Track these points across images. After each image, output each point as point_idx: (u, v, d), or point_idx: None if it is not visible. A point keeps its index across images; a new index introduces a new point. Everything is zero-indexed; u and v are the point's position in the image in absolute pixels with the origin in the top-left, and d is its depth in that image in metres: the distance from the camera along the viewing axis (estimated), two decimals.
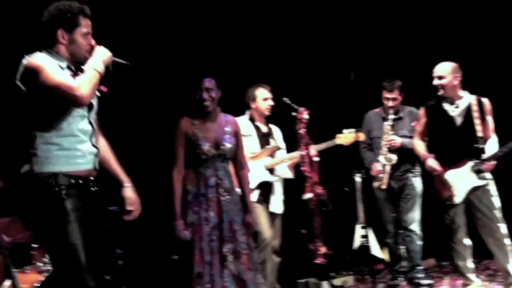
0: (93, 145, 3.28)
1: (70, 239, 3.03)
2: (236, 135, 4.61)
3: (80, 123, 3.21)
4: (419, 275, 6.08)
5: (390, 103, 6.05)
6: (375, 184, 6.04)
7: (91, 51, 3.24)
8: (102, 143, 3.52)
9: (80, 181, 3.16)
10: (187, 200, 4.41)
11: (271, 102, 5.71)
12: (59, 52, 3.20)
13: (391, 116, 6.03)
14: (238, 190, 4.57)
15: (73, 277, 3.02)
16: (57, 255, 3.10)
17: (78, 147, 3.18)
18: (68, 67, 3.20)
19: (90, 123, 3.28)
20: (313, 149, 5.24)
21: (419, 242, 6.09)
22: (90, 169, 3.25)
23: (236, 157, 4.63)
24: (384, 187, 6.01)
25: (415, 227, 6.08)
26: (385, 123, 6.03)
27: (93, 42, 3.25)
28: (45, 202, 3.06)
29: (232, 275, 4.35)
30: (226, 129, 4.57)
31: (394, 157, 5.93)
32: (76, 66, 3.27)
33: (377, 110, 6.27)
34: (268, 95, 5.70)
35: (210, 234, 4.33)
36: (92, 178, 3.25)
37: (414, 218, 6.09)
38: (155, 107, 6.29)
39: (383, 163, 5.96)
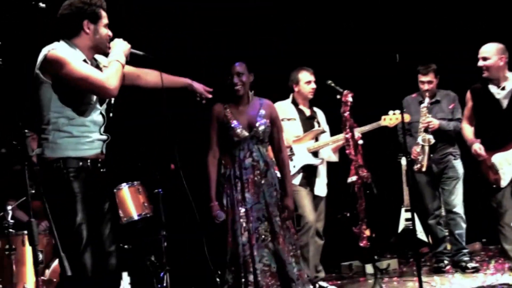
0: (102, 134, 3.41)
1: (75, 219, 3.15)
2: (272, 118, 4.56)
3: (92, 115, 3.33)
4: (465, 258, 6.04)
5: (426, 86, 5.99)
6: (415, 167, 5.93)
7: (110, 43, 3.40)
8: (153, 73, 3.73)
9: (89, 163, 3.28)
10: (224, 184, 4.43)
11: (313, 85, 5.67)
12: (78, 43, 3.31)
13: (428, 99, 5.96)
14: (274, 172, 4.57)
15: (73, 256, 3.05)
16: (62, 234, 3.14)
17: (87, 135, 3.30)
18: (84, 60, 3.30)
19: (102, 114, 3.41)
20: (358, 131, 5.25)
21: (464, 225, 6.04)
22: (98, 153, 3.37)
23: (274, 140, 4.59)
24: (424, 169, 5.92)
25: (459, 209, 6.02)
26: (422, 105, 5.95)
27: (111, 33, 3.39)
28: (53, 183, 3.18)
29: (271, 254, 4.34)
30: (260, 112, 4.52)
31: (431, 138, 5.86)
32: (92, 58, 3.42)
33: (413, 95, 6.20)
34: (311, 78, 5.66)
35: (246, 215, 4.31)
36: (100, 160, 3.38)
37: (458, 201, 6.03)
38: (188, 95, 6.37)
39: (421, 144, 5.88)
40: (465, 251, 6.08)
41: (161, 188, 5.70)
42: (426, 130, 5.87)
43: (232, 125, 4.43)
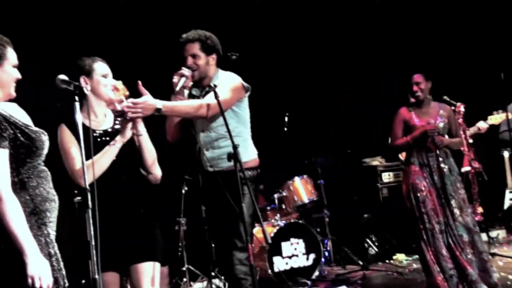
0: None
1: None
2: (449, 119, 4.39)
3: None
4: None
5: None
6: None
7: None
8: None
9: None
10: (415, 170, 4.25)
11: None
12: None
13: None
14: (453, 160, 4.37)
15: None
16: None
17: None
18: None
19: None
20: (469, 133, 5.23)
21: None
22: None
23: (452, 134, 4.41)
24: None
25: None
26: None
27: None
28: None
29: (463, 225, 4.13)
30: (440, 112, 4.36)
31: None
32: None
33: None
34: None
35: (437, 193, 4.17)
36: None
37: None
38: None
39: None
40: None
41: (322, 180, 5.93)
42: None
43: (416, 123, 4.30)
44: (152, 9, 5.53)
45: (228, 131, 2.88)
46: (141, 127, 2.73)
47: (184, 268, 5.17)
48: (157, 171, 2.84)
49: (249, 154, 3.31)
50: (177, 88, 3.11)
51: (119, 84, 2.78)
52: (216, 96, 2.96)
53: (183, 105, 3.04)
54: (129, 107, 2.68)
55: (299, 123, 6.34)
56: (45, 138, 2.28)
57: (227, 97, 3.10)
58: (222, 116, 2.90)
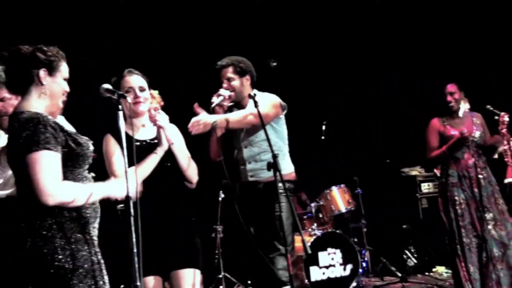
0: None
1: None
2: (483, 126, 4.37)
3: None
4: None
5: None
6: None
7: None
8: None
9: None
10: (452, 182, 4.19)
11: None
12: None
13: None
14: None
15: None
16: None
17: None
18: None
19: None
20: None
21: None
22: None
23: (485, 142, 4.37)
24: None
25: None
26: None
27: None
28: None
29: (494, 240, 4.06)
30: (474, 121, 4.33)
31: None
32: None
33: None
34: None
35: (476, 206, 4.10)
36: None
37: None
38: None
39: None
40: None
41: (360, 189, 5.88)
42: None
43: (452, 134, 4.25)
44: (152, 9, 5.56)
45: (268, 140, 3.00)
46: (174, 135, 2.83)
47: (220, 276, 5.19)
48: (193, 176, 2.90)
49: (287, 167, 3.51)
50: (213, 105, 3.37)
51: (155, 93, 2.91)
52: (256, 105, 3.13)
53: (233, 115, 3.32)
54: (193, 125, 3.05)
55: (336, 130, 6.31)
56: (91, 147, 2.35)
57: (267, 110, 3.32)
58: (263, 129, 3.05)
